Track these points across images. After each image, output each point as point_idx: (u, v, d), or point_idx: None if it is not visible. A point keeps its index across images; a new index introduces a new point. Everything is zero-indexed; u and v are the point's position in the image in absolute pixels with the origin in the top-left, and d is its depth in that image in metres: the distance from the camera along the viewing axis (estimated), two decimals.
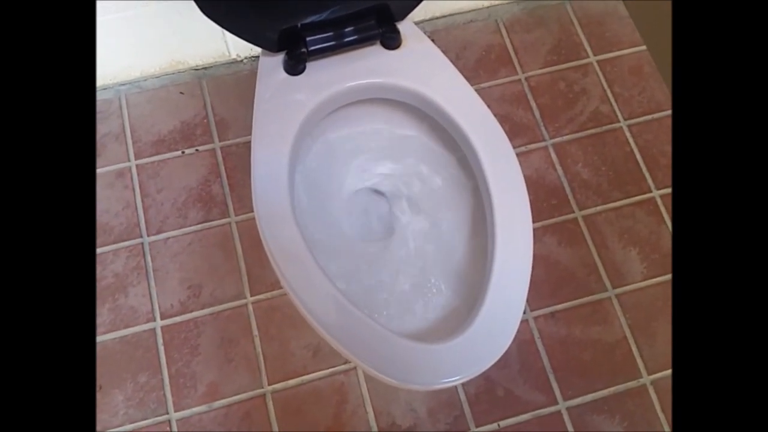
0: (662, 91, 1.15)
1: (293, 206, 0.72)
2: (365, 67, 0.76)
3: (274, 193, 0.72)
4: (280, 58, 0.76)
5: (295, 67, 0.75)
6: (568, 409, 0.97)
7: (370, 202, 0.91)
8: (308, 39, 0.73)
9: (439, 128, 0.79)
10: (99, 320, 1.00)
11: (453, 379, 0.66)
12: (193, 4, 1.01)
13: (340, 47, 0.75)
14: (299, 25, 0.73)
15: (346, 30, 0.74)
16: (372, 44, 0.77)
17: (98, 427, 0.95)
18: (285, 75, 0.76)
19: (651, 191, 1.09)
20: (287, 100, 0.75)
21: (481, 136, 0.74)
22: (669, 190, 1.09)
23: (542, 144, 1.12)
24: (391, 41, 0.76)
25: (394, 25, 0.76)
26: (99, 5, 0.95)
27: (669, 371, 0.99)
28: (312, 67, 0.76)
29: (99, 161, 1.09)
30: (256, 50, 1.14)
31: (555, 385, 0.98)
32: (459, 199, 0.83)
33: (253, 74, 1.15)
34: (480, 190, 0.76)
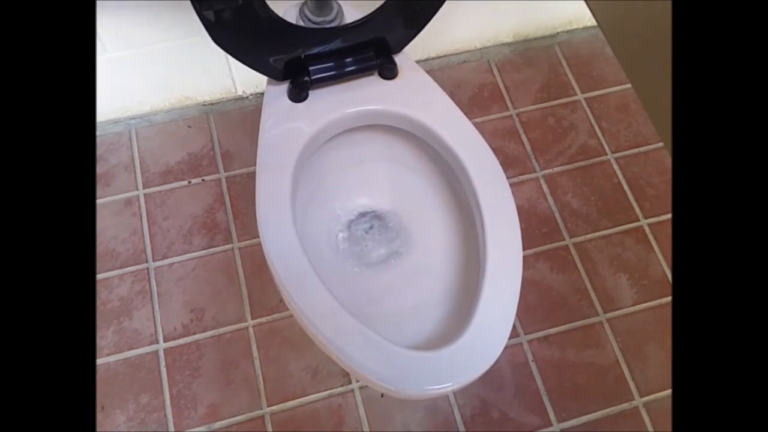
0: (648, 127, 1.21)
1: (296, 229, 0.76)
2: (364, 95, 0.81)
3: (278, 217, 0.76)
4: (284, 86, 0.81)
5: (298, 94, 0.80)
6: (562, 431, 0.98)
7: (368, 226, 0.94)
8: (311, 68, 0.79)
9: (434, 153, 0.84)
10: (103, 342, 1.03)
11: (445, 386, 0.68)
12: (202, 42, 1.08)
13: (340, 77, 0.81)
14: (303, 55, 0.78)
15: (347, 61, 0.80)
16: (370, 74, 0.82)
17: None
18: (289, 102, 0.81)
19: (639, 220, 1.14)
20: (290, 127, 0.80)
21: (473, 159, 0.79)
22: (657, 219, 1.14)
23: (533, 175, 1.17)
24: (389, 72, 0.82)
25: (391, 57, 0.82)
26: (112, 41, 1.01)
27: (661, 393, 1.01)
28: (314, 95, 0.81)
29: (108, 190, 1.14)
30: (261, 87, 1.21)
31: (549, 408, 1.00)
32: (453, 220, 0.87)
33: (257, 110, 1.20)
34: (472, 210, 0.80)
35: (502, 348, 0.71)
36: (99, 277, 1.07)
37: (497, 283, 0.73)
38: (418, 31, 0.82)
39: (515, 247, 0.76)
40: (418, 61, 1.22)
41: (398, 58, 0.83)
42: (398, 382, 0.68)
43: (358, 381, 1.01)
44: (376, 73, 0.82)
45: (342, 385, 1.01)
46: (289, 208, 0.77)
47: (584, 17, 1.28)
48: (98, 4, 0.93)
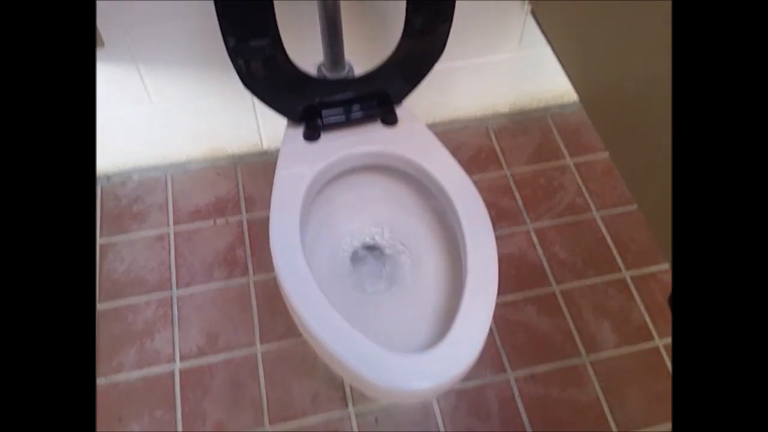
0: None
1: (305, 257, 0.88)
2: (367, 137, 0.96)
3: (289, 245, 0.88)
4: (300, 128, 0.96)
5: (312, 135, 0.95)
6: None
7: (368, 258, 1.06)
8: (324, 114, 0.94)
9: (426, 191, 0.96)
10: (125, 360, 1.13)
11: (425, 385, 0.77)
12: (237, 101, 1.25)
13: (348, 122, 0.95)
14: (318, 102, 0.93)
15: (354, 108, 0.95)
16: (374, 121, 0.97)
17: None
18: (303, 142, 0.95)
19: (621, 272, 1.23)
20: (303, 163, 0.94)
21: (460, 195, 0.91)
22: (638, 271, 1.23)
23: (524, 228, 1.28)
24: (390, 120, 0.96)
25: (392, 107, 0.97)
26: (157, 93, 1.18)
27: (639, 431, 1.07)
28: (325, 136, 0.96)
29: (143, 226, 1.28)
30: None
31: None
32: (442, 252, 0.98)
33: None
34: (458, 241, 0.91)
35: (476, 356, 0.80)
36: (127, 301, 1.19)
37: (475, 302, 0.83)
38: (415, 86, 0.96)
39: (491, 277, 0.85)
40: None
41: (399, 109, 0.98)
42: (387, 380, 0.77)
43: (354, 405, 1.09)
44: (379, 120, 0.97)
45: (339, 409, 1.09)
46: (298, 237, 0.89)
47: (574, 93, 1.43)
48: (146, 58, 1.11)
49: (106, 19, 1.01)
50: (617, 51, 0.91)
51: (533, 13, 1.16)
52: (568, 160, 1.38)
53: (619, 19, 0.89)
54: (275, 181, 0.94)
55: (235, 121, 1.30)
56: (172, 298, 1.20)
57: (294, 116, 0.95)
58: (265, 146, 1.37)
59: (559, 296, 1.21)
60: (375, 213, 1.04)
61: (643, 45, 0.84)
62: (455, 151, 1.36)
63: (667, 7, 0.77)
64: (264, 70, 0.87)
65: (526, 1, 1.17)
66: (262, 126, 1.32)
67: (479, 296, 0.84)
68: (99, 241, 1.26)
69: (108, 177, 1.34)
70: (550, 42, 1.13)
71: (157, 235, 1.27)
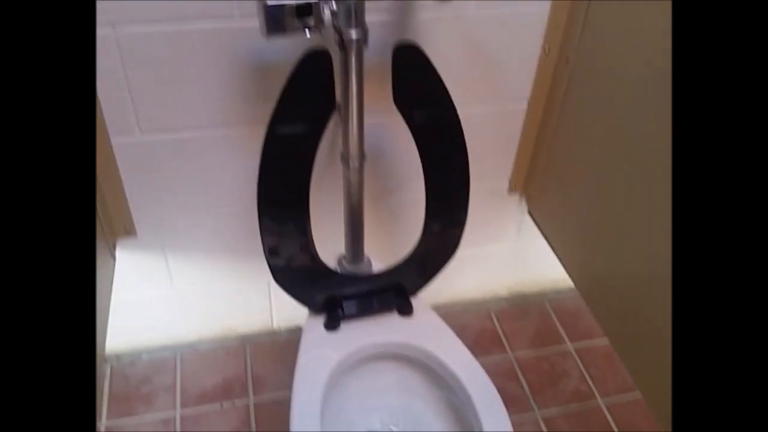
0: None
1: None
2: (384, 328, 1.00)
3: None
4: (321, 318, 1.01)
5: (332, 325, 1.00)
6: None
7: None
8: (344, 305, 0.99)
9: (440, 380, 0.99)
10: None
11: None
12: (253, 283, 1.31)
13: (366, 312, 1.01)
14: (339, 294, 0.99)
15: (372, 300, 1.01)
16: (391, 312, 1.02)
17: None
18: (323, 331, 1.00)
19: None
20: (323, 352, 0.97)
21: (476, 387, 0.94)
22: None
23: (533, 415, 1.29)
24: (406, 311, 1.02)
25: (408, 299, 1.03)
26: (179, 277, 1.24)
27: None
28: (345, 326, 1.00)
29: (149, 409, 1.27)
30: (294, 322, 1.41)
31: None
32: None
33: (288, 342, 1.39)
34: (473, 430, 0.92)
35: None
36: None
37: None
38: (430, 281, 1.03)
39: None
40: None
41: (414, 300, 1.04)
42: None
43: None
44: (396, 311, 1.02)
45: None
46: (318, 425, 0.90)
47: (569, 279, 1.51)
48: (175, 246, 1.17)
49: (142, 210, 1.09)
50: (610, 245, 1.00)
51: (530, 213, 1.28)
52: (569, 345, 1.42)
53: (610, 216, 0.99)
54: (296, 369, 0.96)
55: (248, 301, 1.35)
56: None
57: (316, 308, 1.00)
58: (275, 326, 1.41)
59: None
60: (390, 402, 1.06)
61: (635, 239, 0.93)
62: (459, 333, 1.40)
63: (657, 207, 0.87)
64: (295, 267, 0.94)
65: (523, 200, 1.29)
66: (275, 306, 1.37)
67: None
68: (106, 424, 1.24)
69: (118, 357, 1.35)
70: (546, 237, 1.23)
71: (164, 419, 1.26)
